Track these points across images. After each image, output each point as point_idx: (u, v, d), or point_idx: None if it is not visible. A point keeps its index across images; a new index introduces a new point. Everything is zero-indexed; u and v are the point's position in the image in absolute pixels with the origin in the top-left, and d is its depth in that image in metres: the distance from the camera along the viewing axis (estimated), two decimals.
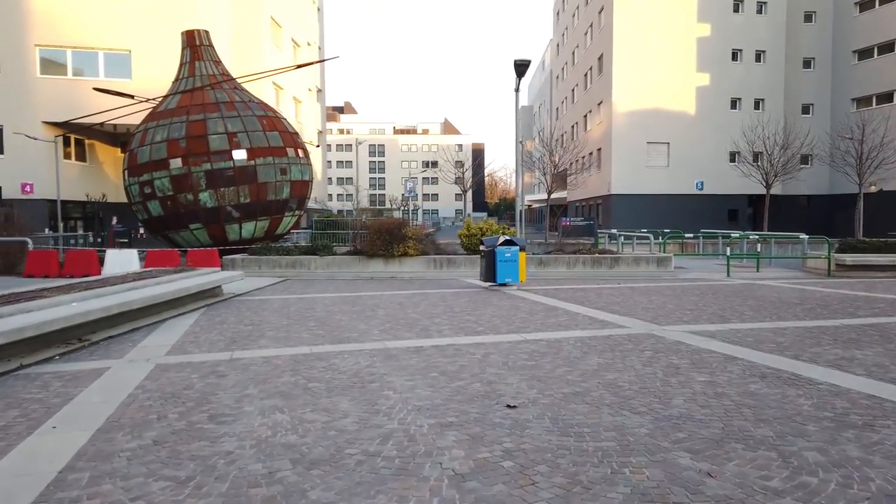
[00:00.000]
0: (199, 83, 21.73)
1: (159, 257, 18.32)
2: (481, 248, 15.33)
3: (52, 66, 30.27)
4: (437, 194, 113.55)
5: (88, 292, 11.23)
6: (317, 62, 22.58)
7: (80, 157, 32.09)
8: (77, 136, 30.57)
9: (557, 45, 67.91)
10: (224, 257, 18.99)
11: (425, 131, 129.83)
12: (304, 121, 48.75)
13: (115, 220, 29.14)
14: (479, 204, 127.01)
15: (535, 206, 79.75)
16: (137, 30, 27.37)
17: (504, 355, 7.45)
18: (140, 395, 5.81)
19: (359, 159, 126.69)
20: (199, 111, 20.81)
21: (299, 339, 8.64)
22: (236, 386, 6.13)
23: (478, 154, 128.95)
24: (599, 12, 47.33)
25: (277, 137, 21.50)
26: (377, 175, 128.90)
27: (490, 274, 14.79)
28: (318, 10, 62.67)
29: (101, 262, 18.30)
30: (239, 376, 6.51)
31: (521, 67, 17.54)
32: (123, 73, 28.88)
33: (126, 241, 26.01)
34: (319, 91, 60.07)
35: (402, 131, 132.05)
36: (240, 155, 20.45)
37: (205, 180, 20.05)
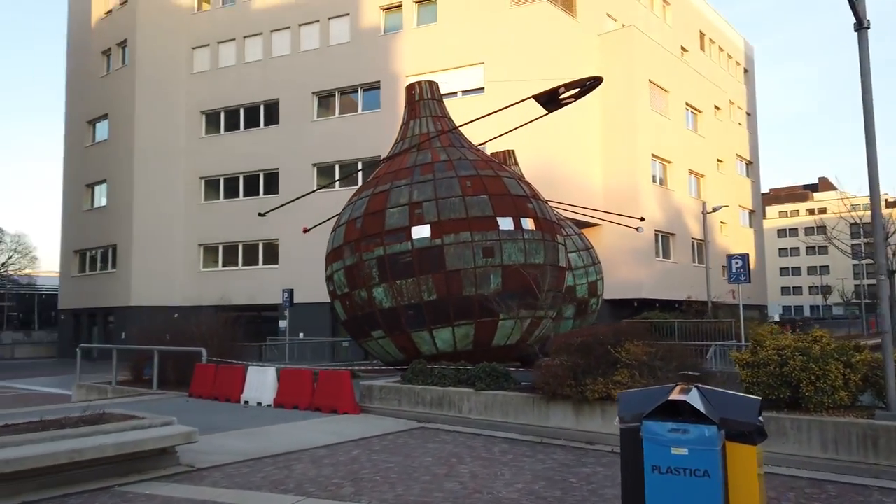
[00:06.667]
0: (408, 145, 16.56)
1: (292, 379, 13.18)
2: (616, 420, 5.33)
3: None
4: None
5: None
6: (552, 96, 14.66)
7: None
8: None
9: None
10: (365, 384, 12.69)
11: None
12: (709, 197, 39.55)
13: None
14: None
15: None
16: None
17: None
18: None
19: (836, 242, 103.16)
20: (388, 180, 15.47)
21: None
22: None
23: None
24: None
25: (485, 203, 14.40)
26: (861, 262, 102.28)
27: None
28: (746, 71, 53.18)
29: None
30: None
31: None
32: None
33: None
34: (750, 163, 49.79)
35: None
36: (420, 232, 14.07)
37: (377, 271, 14.34)
